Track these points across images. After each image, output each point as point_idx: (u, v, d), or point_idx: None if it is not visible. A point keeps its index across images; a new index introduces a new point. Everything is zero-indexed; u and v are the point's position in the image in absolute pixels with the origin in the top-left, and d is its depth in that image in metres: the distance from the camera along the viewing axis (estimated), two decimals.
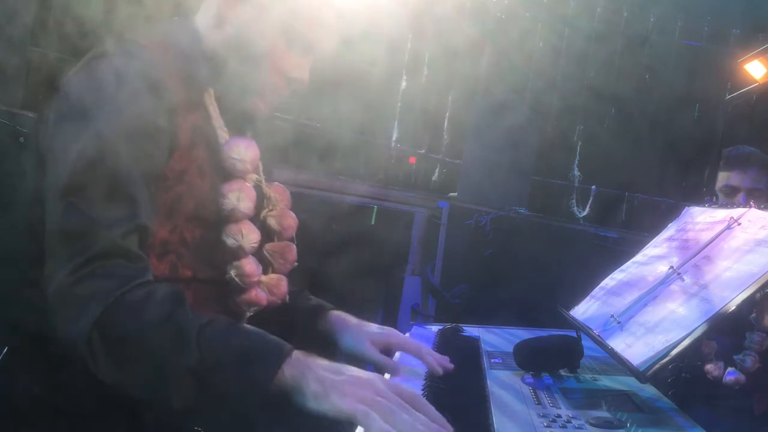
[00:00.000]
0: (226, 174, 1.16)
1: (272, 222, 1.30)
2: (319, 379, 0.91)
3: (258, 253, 1.25)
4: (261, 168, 1.29)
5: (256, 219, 1.27)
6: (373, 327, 1.31)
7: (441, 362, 1.24)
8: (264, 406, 0.91)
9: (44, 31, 3.63)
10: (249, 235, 1.16)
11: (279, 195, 1.33)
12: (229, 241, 1.15)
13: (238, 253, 1.16)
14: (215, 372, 0.90)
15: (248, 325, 1.01)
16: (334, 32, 1.20)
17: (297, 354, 0.94)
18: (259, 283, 1.22)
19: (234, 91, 1.18)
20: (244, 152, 1.16)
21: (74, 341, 0.92)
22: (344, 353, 1.29)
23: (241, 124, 1.26)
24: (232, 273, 1.16)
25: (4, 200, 1.11)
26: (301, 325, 1.35)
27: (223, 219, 1.15)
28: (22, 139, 2.80)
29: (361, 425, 0.87)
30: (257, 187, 1.22)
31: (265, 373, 0.91)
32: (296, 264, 1.35)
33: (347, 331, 1.30)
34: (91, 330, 0.91)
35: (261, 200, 1.29)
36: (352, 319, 1.33)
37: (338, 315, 1.34)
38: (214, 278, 1.16)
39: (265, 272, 1.27)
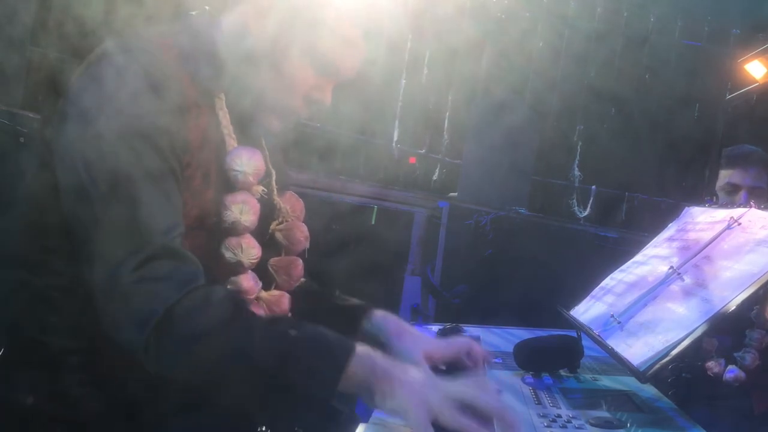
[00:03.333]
0: (230, 185, 1.11)
1: (280, 236, 1.26)
2: (387, 377, 0.92)
3: (263, 268, 1.22)
4: (273, 177, 1.26)
5: (265, 232, 1.24)
6: (426, 338, 1.26)
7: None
8: (332, 403, 0.92)
9: (44, 31, 3.63)
10: (249, 250, 1.11)
11: (291, 206, 1.29)
12: (228, 255, 1.10)
13: (236, 268, 1.12)
14: (281, 372, 0.90)
15: (310, 324, 1.00)
16: (362, 56, 1.15)
17: (363, 349, 0.95)
18: (258, 299, 1.18)
19: (249, 103, 1.14)
20: (246, 163, 1.11)
21: (131, 345, 0.92)
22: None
23: (260, 135, 1.23)
24: (229, 288, 1.12)
25: (4, 200, 1.10)
26: (341, 324, 1.28)
27: (224, 231, 1.10)
28: (22, 139, 2.80)
29: None
30: (265, 199, 1.18)
31: (332, 371, 0.91)
32: (302, 280, 1.31)
33: (401, 334, 1.24)
34: (151, 334, 0.90)
35: (270, 212, 1.25)
36: (403, 323, 1.28)
37: (385, 315, 1.29)
38: None
39: (267, 288, 1.23)
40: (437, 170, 4.78)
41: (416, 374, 0.95)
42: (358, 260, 3.23)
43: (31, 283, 1.06)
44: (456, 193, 4.05)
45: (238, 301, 0.99)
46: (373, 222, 3.57)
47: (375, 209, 3.58)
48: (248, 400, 0.92)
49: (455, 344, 1.26)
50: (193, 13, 1.18)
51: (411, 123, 4.73)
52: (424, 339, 1.25)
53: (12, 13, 3.31)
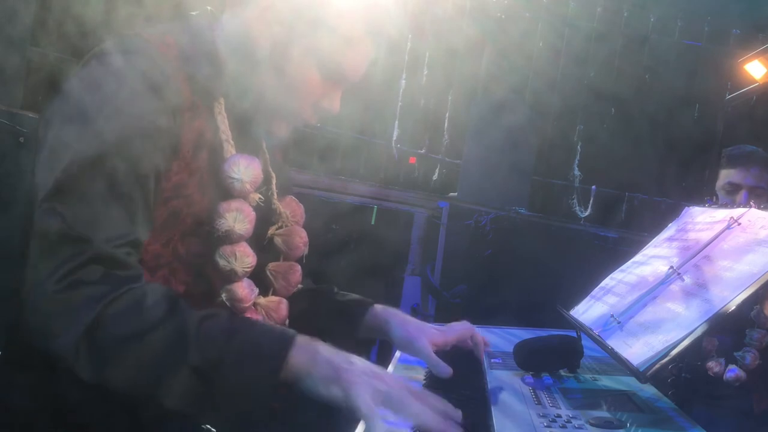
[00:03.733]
0: (226, 192, 1.09)
1: (279, 241, 1.25)
2: (330, 364, 0.93)
3: (261, 273, 1.21)
4: (273, 181, 1.25)
5: (263, 237, 1.24)
6: (428, 325, 1.32)
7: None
8: (274, 394, 0.91)
9: (44, 31, 3.63)
10: (243, 259, 1.10)
11: (291, 211, 1.28)
12: (222, 263, 1.08)
13: (230, 276, 1.10)
14: (220, 368, 0.89)
15: (249, 317, 1.01)
16: (368, 57, 1.14)
17: (303, 339, 0.95)
18: (255, 306, 1.17)
19: (252, 107, 1.13)
20: (243, 171, 1.09)
21: (63, 350, 0.89)
22: (400, 347, 1.32)
23: (261, 138, 1.22)
24: (224, 296, 1.11)
25: (4, 200, 1.10)
26: (345, 319, 1.33)
27: (218, 239, 1.09)
28: (21, 139, 2.80)
29: (364, 419, 0.90)
30: (263, 206, 1.17)
31: (272, 362, 0.91)
32: (300, 287, 1.31)
33: (403, 324, 1.30)
34: (81, 339, 0.88)
35: (269, 218, 1.24)
36: (405, 315, 1.34)
37: (386, 308, 1.34)
38: (208, 293, 1.12)
39: (265, 293, 1.22)
40: (437, 170, 4.78)
41: (360, 362, 0.95)
42: (358, 260, 3.23)
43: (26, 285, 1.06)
44: (456, 193, 4.06)
45: (174, 299, 0.95)
46: (373, 222, 3.57)
47: (375, 209, 3.58)
48: (189, 401, 0.90)
49: (457, 329, 1.36)
50: (194, 13, 1.17)
51: (411, 123, 4.73)
52: (427, 327, 1.30)
53: (12, 13, 3.31)
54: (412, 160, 4.76)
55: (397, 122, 4.72)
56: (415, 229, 3.64)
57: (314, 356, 0.93)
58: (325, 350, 0.95)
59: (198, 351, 0.89)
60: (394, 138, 4.72)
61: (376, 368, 0.96)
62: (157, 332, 0.90)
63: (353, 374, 0.92)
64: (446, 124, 4.78)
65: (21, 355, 1.07)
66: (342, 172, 4.32)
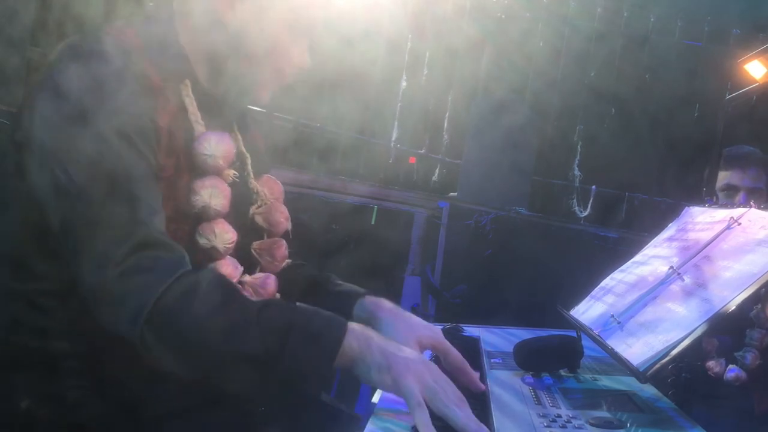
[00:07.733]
0: (200, 171, 1.11)
1: (260, 219, 1.26)
2: (383, 352, 0.95)
3: (248, 253, 1.22)
4: (248, 161, 1.26)
5: (245, 217, 1.24)
6: (420, 324, 1.23)
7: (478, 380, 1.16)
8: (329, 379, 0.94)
9: (44, 31, 3.63)
10: (223, 235, 1.10)
11: (269, 189, 1.29)
12: (202, 241, 1.09)
13: (212, 254, 1.11)
14: (278, 357, 0.92)
15: (302, 304, 1.03)
16: (327, 7, 1.17)
17: (356, 326, 0.98)
18: (241, 284, 1.18)
19: (234, 90, 1.16)
20: (214, 147, 1.10)
21: (129, 340, 0.93)
22: None
23: (232, 120, 1.24)
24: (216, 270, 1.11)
25: (4, 200, 1.10)
26: (333, 311, 1.31)
27: (195, 217, 1.10)
28: None
29: (410, 408, 0.91)
30: (239, 183, 1.18)
31: (328, 350, 0.94)
32: (288, 261, 1.31)
33: (393, 321, 1.22)
34: (143, 328, 0.91)
35: (248, 197, 1.25)
36: (397, 309, 1.26)
37: (377, 301, 1.28)
38: None
39: (252, 272, 1.23)
40: (437, 170, 4.78)
41: (410, 353, 0.98)
42: (358, 260, 3.23)
43: (18, 287, 1.06)
44: (456, 193, 4.06)
45: (228, 282, 0.99)
46: (373, 222, 3.57)
47: (375, 209, 3.58)
48: (247, 387, 0.94)
49: (434, 337, 1.20)
50: (151, 3, 1.19)
51: (411, 123, 4.73)
52: (418, 327, 1.21)
53: (12, 13, 3.31)
54: (412, 160, 4.76)
55: (396, 122, 4.72)
56: (415, 229, 3.64)
57: (368, 343, 0.96)
58: (378, 338, 0.98)
59: (258, 341, 0.92)
60: (394, 138, 4.72)
61: (426, 360, 0.99)
62: (217, 321, 0.93)
63: (405, 364, 0.94)
64: (446, 124, 4.78)
65: (21, 355, 1.07)
66: (342, 172, 4.32)
